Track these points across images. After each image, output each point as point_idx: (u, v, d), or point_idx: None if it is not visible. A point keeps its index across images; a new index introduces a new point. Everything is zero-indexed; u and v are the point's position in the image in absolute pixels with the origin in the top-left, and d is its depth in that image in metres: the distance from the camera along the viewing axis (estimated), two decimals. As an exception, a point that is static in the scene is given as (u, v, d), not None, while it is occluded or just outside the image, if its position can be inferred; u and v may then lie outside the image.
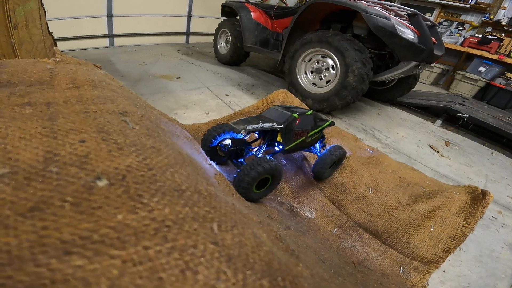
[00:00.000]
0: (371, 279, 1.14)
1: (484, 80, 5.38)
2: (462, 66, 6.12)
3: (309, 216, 1.41)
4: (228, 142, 1.43)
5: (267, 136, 1.41)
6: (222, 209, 0.55)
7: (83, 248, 0.31)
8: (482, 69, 5.54)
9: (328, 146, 1.55)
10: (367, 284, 1.10)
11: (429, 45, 2.87)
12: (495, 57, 5.45)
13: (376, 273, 1.19)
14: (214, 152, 1.45)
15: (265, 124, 1.27)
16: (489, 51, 5.53)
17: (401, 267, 1.23)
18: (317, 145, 1.63)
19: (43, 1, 3.18)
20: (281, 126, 1.32)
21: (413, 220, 1.31)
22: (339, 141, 1.73)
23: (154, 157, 0.55)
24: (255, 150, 1.44)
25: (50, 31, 3.58)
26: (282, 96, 2.05)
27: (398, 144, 2.88)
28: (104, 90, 0.91)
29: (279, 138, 1.37)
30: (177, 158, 0.63)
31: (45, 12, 3.33)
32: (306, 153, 1.81)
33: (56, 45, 3.82)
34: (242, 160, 1.44)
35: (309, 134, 1.47)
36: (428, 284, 1.18)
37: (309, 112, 1.47)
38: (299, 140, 1.42)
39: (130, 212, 0.38)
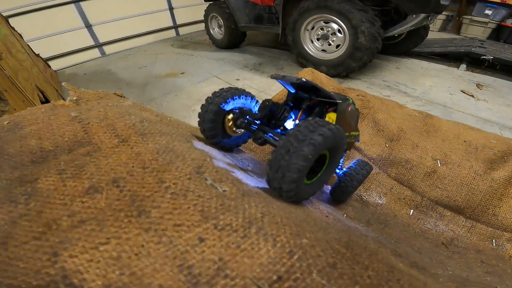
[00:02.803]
0: (470, 258, 1.08)
1: (494, 22, 5.33)
2: (466, 10, 6.03)
3: (380, 202, 1.33)
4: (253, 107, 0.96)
5: (314, 112, 0.98)
6: (365, 261, 0.46)
7: None
8: (488, 12, 5.50)
9: (351, 162, 1.20)
10: (470, 266, 1.04)
11: None
12: (497, 0, 5.31)
13: (471, 251, 1.13)
14: (216, 126, 0.93)
15: (323, 89, 0.90)
16: None
17: (494, 241, 1.16)
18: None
19: (14, 25, 3.01)
20: (340, 102, 0.96)
21: (495, 190, 1.21)
22: (386, 115, 1.58)
23: (281, 234, 0.45)
24: (294, 120, 0.97)
25: (37, 53, 3.43)
26: (309, 75, 1.87)
27: (429, 94, 2.73)
28: (152, 135, 0.80)
29: (328, 118, 0.96)
30: (284, 216, 0.53)
31: (20, 35, 3.15)
32: None
33: (49, 66, 3.67)
34: (279, 130, 0.95)
35: (351, 132, 1.10)
36: (525, 252, 1.12)
37: (356, 107, 1.13)
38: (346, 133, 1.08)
39: None
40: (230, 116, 0.94)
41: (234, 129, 0.97)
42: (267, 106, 0.89)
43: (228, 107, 0.92)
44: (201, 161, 0.65)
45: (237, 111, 0.95)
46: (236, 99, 0.94)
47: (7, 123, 0.83)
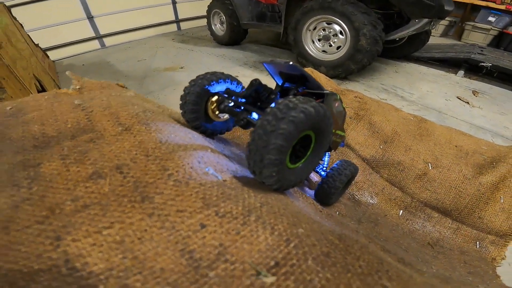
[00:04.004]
0: (454, 259, 1.13)
1: (496, 29, 5.35)
2: (469, 17, 6.03)
3: (371, 202, 1.37)
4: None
5: None
6: (357, 252, 0.49)
7: None
8: (491, 19, 5.49)
9: (334, 164, 1.20)
10: (454, 266, 1.08)
11: (438, 1, 2.75)
12: (502, 7, 5.35)
13: (455, 252, 1.17)
14: (199, 109, 0.90)
15: (311, 78, 0.87)
16: (494, 2, 5.43)
17: (478, 243, 1.21)
18: (325, 159, 1.25)
19: (16, 15, 3.01)
20: (327, 92, 0.93)
21: (482, 194, 1.26)
22: (382, 118, 1.62)
23: (279, 223, 0.48)
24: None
25: (36, 43, 3.41)
26: (308, 76, 1.90)
27: (425, 99, 2.78)
28: (155, 123, 0.81)
29: None
30: (282, 206, 0.55)
31: (21, 25, 3.14)
32: None
33: (48, 56, 3.64)
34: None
35: (337, 131, 1.08)
36: (505, 257, 1.17)
37: (344, 106, 1.14)
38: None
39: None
40: (214, 98, 0.90)
41: (216, 113, 0.93)
42: (254, 84, 0.86)
43: (212, 89, 0.89)
44: (202, 151, 0.67)
45: (223, 93, 0.91)
46: (221, 82, 0.90)
47: (10, 109, 0.84)
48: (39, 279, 0.40)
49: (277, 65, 0.89)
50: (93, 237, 0.45)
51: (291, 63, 0.84)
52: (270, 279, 0.37)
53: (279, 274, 0.38)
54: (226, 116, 0.99)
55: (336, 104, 1.03)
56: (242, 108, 0.86)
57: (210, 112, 0.92)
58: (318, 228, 0.51)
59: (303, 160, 0.73)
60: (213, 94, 0.90)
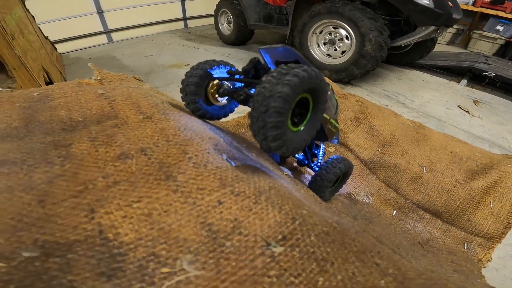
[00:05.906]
0: (441, 258, 1.19)
1: (503, 38, 5.34)
2: (478, 25, 5.99)
3: (367, 201, 1.43)
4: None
5: None
6: (352, 235, 0.56)
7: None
8: (500, 28, 5.48)
9: (329, 158, 1.23)
10: (441, 264, 1.15)
11: (446, 10, 2.79)
12: (511, 16, 5.33)
13: (444, 252, 1.24)
14: (200, 92, 0.95)
15: (305, 62, 0.89)
16: (504, 11, 5.42)
17: (465, 244, 1.28)
18: (320, 153, 1.31)
19: (29, 8, 3.08)
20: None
21: (473, 198, 1.33)
22: (381, 122, 1.69)
23: (285, 204, 0.55)
24: None
25: (46, 35, 3.48)
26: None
27: (425, 107, 2.83)
28: (173, 114, 0.88)
29: None
30: (287, 191, 0.62)
31: (33, 17, 3.21)
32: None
33: (56, 49, 3.71)
34: None
35: (331, 120, 1.10)
36: (492, 259, 1.23)
37: (336, 97, 1.16)
38: (325, 116, 1.07)
39: (324, 272, 0.40)
40: (215, 82, 0.96)
41: (216, 96, 0.99)
42: (253, 62, 0.93)
43: (214, 73, 0.96)
44: (216, 140, 0.74)
45: (225, 72, 0.97)
46: (221, 67, 0.97)
47: (37, 95, 0.90)
48: (75, 249, 0.43)
49: (274, 50, 0.94)
50: (124, 210, 0.50)
51: (287, 46, 0.88)
52: (278, 249, 0.44)
53: (286, 246, 0.45)
54: (225, 101, 1.06)
55: (329, 93, 1.05)
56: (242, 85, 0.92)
57: (210, 95, 0.99)
58: (319, 212, 0.58)
59: (305, 121, 0.75)
60: (214, 78, 0.97)
